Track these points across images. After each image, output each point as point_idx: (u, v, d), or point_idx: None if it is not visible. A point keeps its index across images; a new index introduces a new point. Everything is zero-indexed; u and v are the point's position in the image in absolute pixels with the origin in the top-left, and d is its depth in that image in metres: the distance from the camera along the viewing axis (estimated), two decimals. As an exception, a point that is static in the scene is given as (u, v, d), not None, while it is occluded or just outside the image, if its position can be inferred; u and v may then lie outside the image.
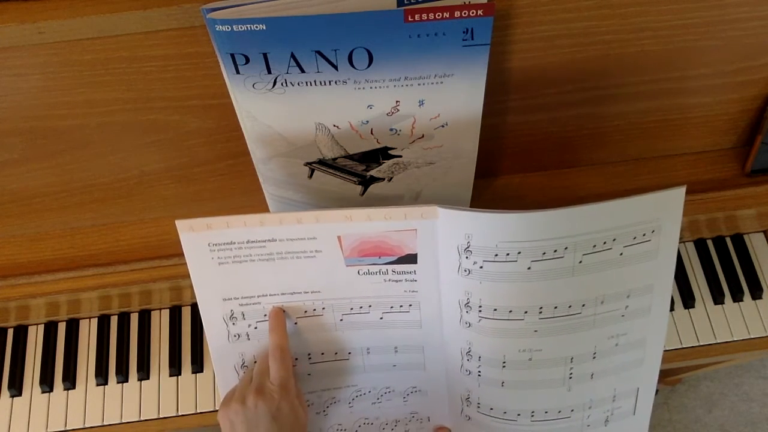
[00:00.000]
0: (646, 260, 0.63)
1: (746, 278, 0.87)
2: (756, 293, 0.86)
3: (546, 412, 0.68)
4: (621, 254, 0.62)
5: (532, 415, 0.68)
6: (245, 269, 0.63)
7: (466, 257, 0.61)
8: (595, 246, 0.61)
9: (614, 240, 0.61)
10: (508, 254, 0.60)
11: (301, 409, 0.63)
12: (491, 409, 0.68)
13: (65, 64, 0.59)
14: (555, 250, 0.60)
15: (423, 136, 0.65)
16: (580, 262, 0.61)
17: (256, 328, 0.66)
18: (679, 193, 0.60)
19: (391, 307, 0.66)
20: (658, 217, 0.61)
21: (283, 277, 0.64)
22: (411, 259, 0.63)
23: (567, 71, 0.67)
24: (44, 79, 0.60)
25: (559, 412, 0.68)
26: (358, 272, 0.64)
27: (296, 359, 0.69)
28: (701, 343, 0.84)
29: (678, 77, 0.70)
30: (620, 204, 0.60)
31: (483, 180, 0.78)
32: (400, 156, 0.68)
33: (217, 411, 0.80)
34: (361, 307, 0.66)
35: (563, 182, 0.80)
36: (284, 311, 0.66)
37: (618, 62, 0.66)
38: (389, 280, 0.64)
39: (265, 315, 0.66)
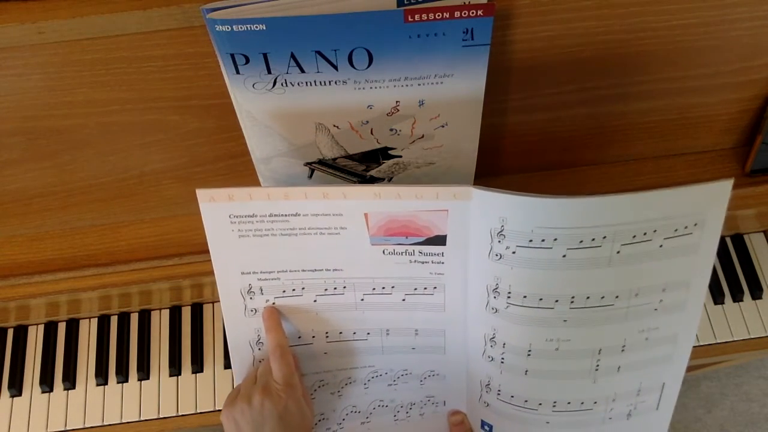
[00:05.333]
0: (686, 254, 0.60)
1: (746, 278, 0.87)
2: (756, 293, 0.86)
3: (568, 403, 0.67)
4: (661, 246, 0.59)
5: (554, 406, 0.67)
6: (266, 243, 0.61)
7: (499, 241, 0.59)
8: (635, 236, 0.58)
9: (655, 231, 0.58)
10: (543, 240, 0.57)
11: (307, 408, 0.62)
12: (512, 397, 0.67)
13: (65, 64, 0.59)
14: (593, 239, 0.57)
15: (423, 136, 0.65)
16: (618, 252, 0.58)
17: (273, 303, 0.65)
18: (725, 186, 0.57)
19: (415, 289, 0.65)
20: (702, 211, 0.58)
21: (305, 253, 0.63)
22: (440, 240, 0.61)
23: (567, 71, 0.67)
24: (44, 79, 0.60)
25: (582, 403, 0.67)
26: (383, 252, 0.62)
27: (313, 337, 0.68)
28: (701, 343, 0.84)
29: (678, 77, 0.70)
30: (664, 194, 0.57)
31: (483, 180, 0.78)
32: (400, 156, 0.68)
33: (217, 411, 0.81)
34: (383, 288, 0.65)
35: (563, 182, 0.80)
36: (278, 310, 0.65)
37: (618, 62, 0.66)
38: (415, 261, 0.63)
39: (284, 291, 0.65)
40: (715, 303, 0.86)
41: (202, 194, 0.59)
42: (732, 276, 0.87)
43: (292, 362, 0.63)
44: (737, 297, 0.86)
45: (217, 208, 0.60)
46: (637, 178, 0.80)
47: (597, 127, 0.75)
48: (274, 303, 0.65)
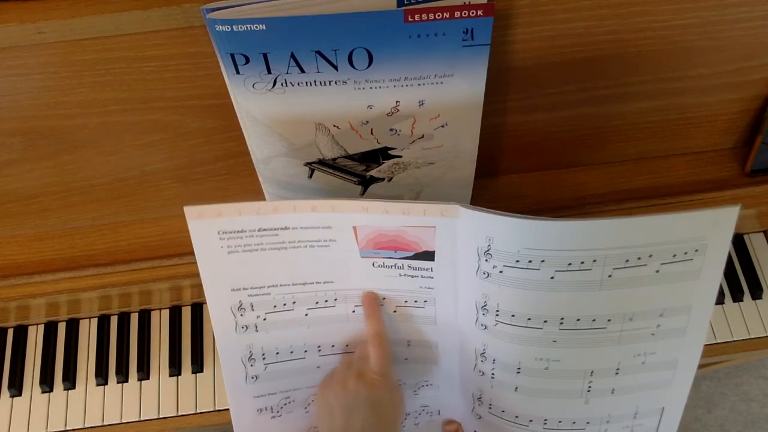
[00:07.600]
0: (686, 280, 0.58)
1: (746, 278, 0.87)
2: (756, 293, 0.86)
3: (560, 422, 0.66)
4: (657, 271, 0.57)
5: (545, 423, 0.66)
6: (256, 258, 0.61)
7: (486, 260, 0.58)
8: (627, 261, 0.56)
9: (650, 256, 0.56)
10: (530, 261, 0.56)
11: (399, 400, 0.62)
12: (503, 411, 0.67)
13: (65, 64, 0.59)
14: (582, 262, 0.56)
15: (423, 136, 0.65)
16: (610, 276, 0.57)
17: (265, 319, 0.65)
18: (731, 213, 0.55)
19: (406, 302, 0.65)
20: (704, 236, 0.56)
21: (295, 266, 0.62)
22: (428, 256, 0.61)
23: (567, 71, 0.67)
24: (44, 79, 0.60)
25: (574, 423, 0.66)
26: (373, 264, 0.62)
27: (305, 351, 0.67)
28: (701, 343, 0.84)
29: (678, 77, 0.70)
30: (661, 220, 0.55)
31: (483, 180, 0.78)
32: (400, 156, 0.68)
33: (217, 411, 0.81)
34: None
35: (563, 182, 0.80)
36: (377, 297, 0.64)
37: (618, 62, 0.66)
38: (405, 275, 0.63)
39: (275, 306, 0.64)
40: (716, 303, 0.86)
41: (190, 211, 0.58)
42: (732, 276, 0.87)
43: (389, 352, 0.62)
44: (737, 297, 0.86)
45: (206, 225, 0.59)
46: (637, 178, 0.80)
47: (597, 127, 0.75)
48: (266, 319, 0.65)
